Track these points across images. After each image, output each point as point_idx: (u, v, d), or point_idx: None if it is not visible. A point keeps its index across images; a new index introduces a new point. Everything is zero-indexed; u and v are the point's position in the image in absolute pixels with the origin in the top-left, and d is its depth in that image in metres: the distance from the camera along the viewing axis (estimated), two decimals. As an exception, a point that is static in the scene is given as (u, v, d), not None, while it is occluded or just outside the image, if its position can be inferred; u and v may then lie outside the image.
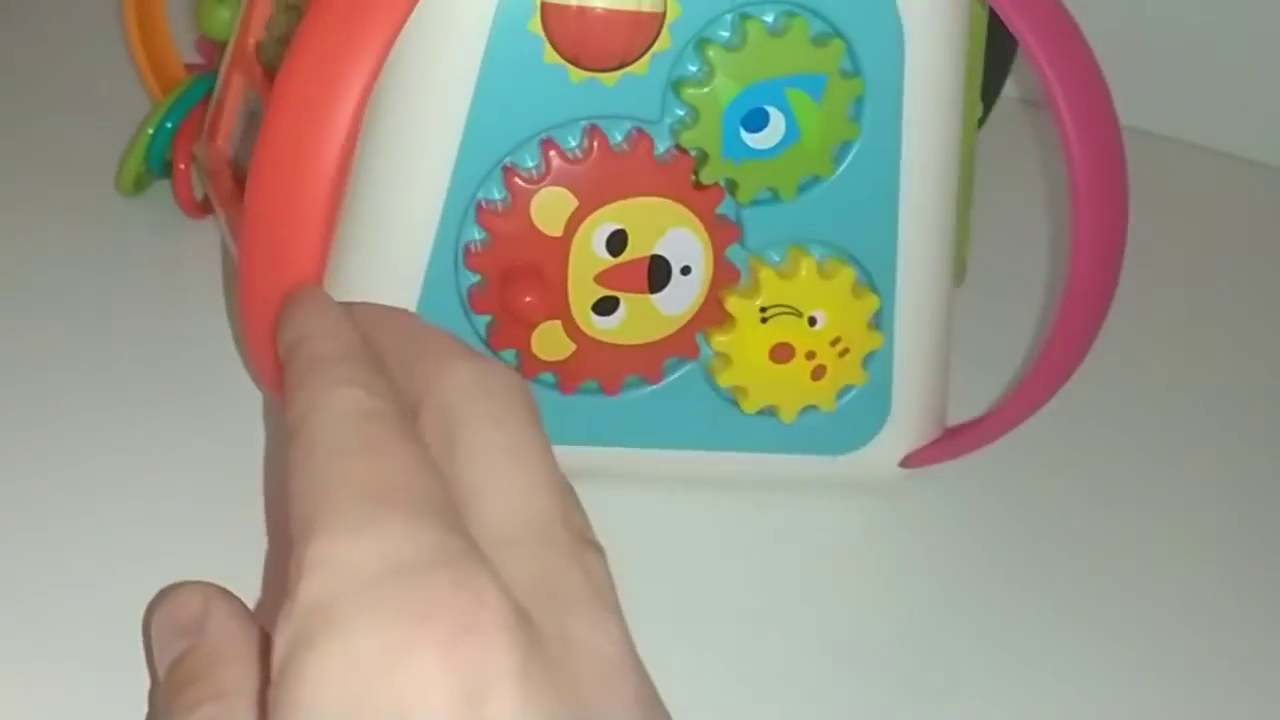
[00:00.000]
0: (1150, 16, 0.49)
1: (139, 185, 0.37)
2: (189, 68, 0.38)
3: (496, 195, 0.26)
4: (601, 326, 0.28)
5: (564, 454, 0.29)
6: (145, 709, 0.24)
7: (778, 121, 0.26)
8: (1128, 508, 0.32)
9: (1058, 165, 0.29)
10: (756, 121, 0.26)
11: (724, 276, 0.28)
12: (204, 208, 0.37)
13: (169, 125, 0.36)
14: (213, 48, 0.39)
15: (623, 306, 0.28)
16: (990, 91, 0.34)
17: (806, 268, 0.28)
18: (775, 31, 0.26)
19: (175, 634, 0.23)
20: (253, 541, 0.28)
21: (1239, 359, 0.39)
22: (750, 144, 0.26)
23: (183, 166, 0.36)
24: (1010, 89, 0.48)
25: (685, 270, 0.28)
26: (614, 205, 0.26)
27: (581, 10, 0.25)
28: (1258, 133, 0.49)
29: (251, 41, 0.33)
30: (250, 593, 0.27)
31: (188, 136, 0.36)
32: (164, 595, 0.23)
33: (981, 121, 0.34)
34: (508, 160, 0.26)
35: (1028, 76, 0.48)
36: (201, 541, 0.28)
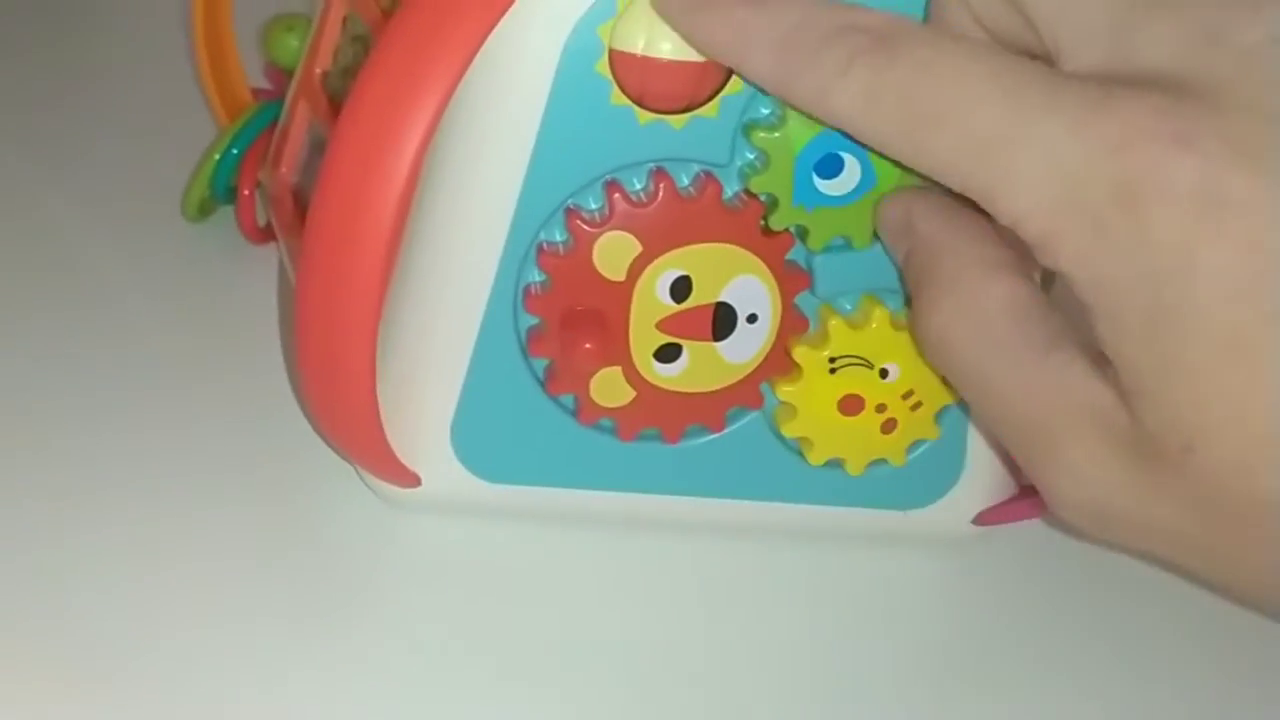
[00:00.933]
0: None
1: (204, 210, 0.37)
2: (256, 94, 0.38)
3: (558, 237, 0.26)
4: (663, 374, 0.27)
5: (623, 501, 0.28)
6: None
7: (853, 167, 0.25)
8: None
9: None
10: (831, 167, 0.25)
11: (792, 325, 0.27)
12: (267, 234, 0.36)
13: (235, 151, 0.36)
14: (281, 75, 0.39)
15: (685, 354, 0.27)
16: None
17: (879, 319, 0.27)
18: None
19: (894, 240, 0.24)
20: (301, 558, 0.27)
21: None
22: (823, 190, 0.25)
23: (247, 193, 0.36)
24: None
25: (751, 318, 0.27)
26: (679, 250, 0.26)
27: (645, 60, 0.24)
28: None
29: (318, 71, 0.33)
30: (302, 605, 0.26)
31: (253, 163, 0.36)
32: (876, 210, 0.25)
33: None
34: (571, 202, 0.25)
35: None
36: (248, 565, 0.27)
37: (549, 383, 0.27)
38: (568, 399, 0.27)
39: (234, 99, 0.37)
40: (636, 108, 0.25)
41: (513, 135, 0.25)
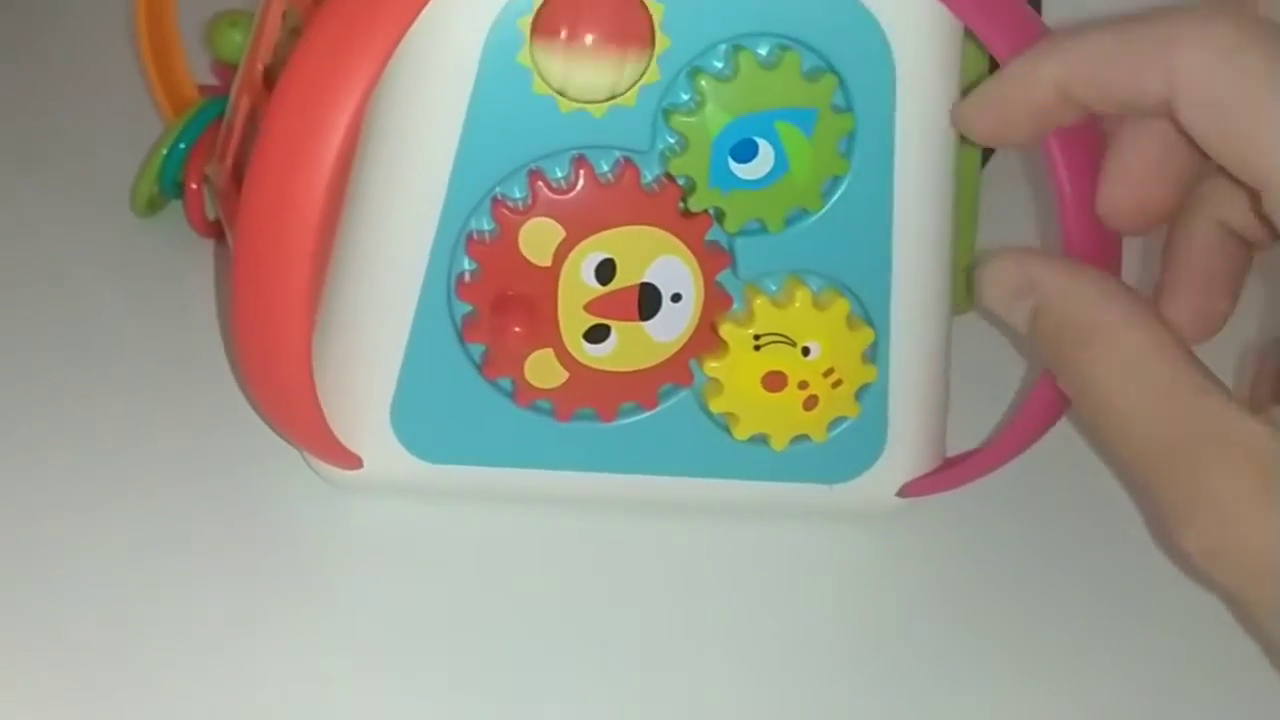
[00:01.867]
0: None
1: (153, 205, 0.38)
2: (203, 89, 0.38)
3: (486, 226, 0.26)
4: (594, 354, 0.28)
5: (561, 480, 0.29)
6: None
7: (766, 153, 0.26)
8: (1129, 537, 0.32)
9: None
10: (746, 152, 0.26)
11: (716, 303, 0.28)
12: (216, 228, 0.37)
13: (182, 146, 0.37)
14: (229, 71, 0.39)
15: (614, 334, 0.28)
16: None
17: (801, 298, 0.28)
18: (768, 64, 0.26)
19: (1012, 298, 0.25)
20: (248, 541, 0.28)
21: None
22: (738, 174, 0.26)
23: (195, 187, 0.37)
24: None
25: (676, 297, 0.28)
26: (602, 234, 0.26)
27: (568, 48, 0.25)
28: None
29: (260, 65, 0.34)
30: (248, 587, 0.27)
31: (200, 157, 0.37)
32: (985, 268, 0.25)
33: (988, 156, 0.34)
34: (497, 191, 0.26)
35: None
36: (195, 547, 0.28)
37: (486, 367, 0.28)
38: (505, 382, 0.28)
39: (180, 95, 0.38)
40: (559, 97, 0.26)
41: (439, 125, 0.26)
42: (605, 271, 0.27)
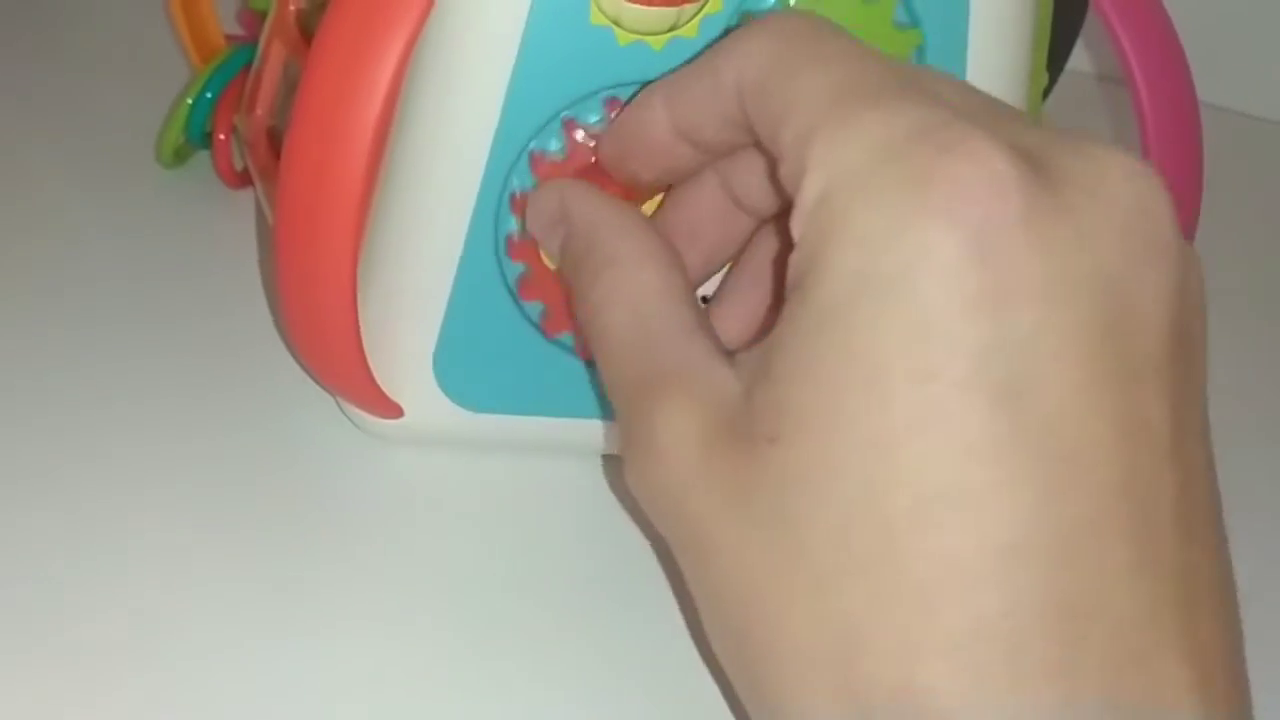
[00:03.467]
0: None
1: (179, 156, 0.37)
2: (229, 38, 0.37)
3: (553, 146, 0.25)
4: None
5: (594, 429, 0.28)
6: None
7: None
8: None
9: (1131, 143, 0.28)
10: None
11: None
12: (244, 179, 0.36)
13: (209, 95, 0.36)
14: (255, 19, 0.38)
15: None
16: (1056, 60, 0.32)
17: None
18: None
19: (549, 228, 0.25)
20: (285, 504, 0.27)
21: None
22: None
23: (222, 137, 0.36)
24: (1084, 63, 0.46)
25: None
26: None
27: None
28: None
29: (292, 9, 0.33)
30: (283, 541, 0.26)
31: (228, 107, 0.36)
32: (530, 198, 0.25)
33: (1047, 92, 0.33)
34: (567, 114, 0.25)
35: (1101, 50, 0.47)
36: (229, 501, 0.27)
37: (521, 289, 0.26)
38: (536, 306, 0.26)
39: (207, 43, 0.37)
40: (616, 28, 0.24)
41: (494, 53, 0.24)
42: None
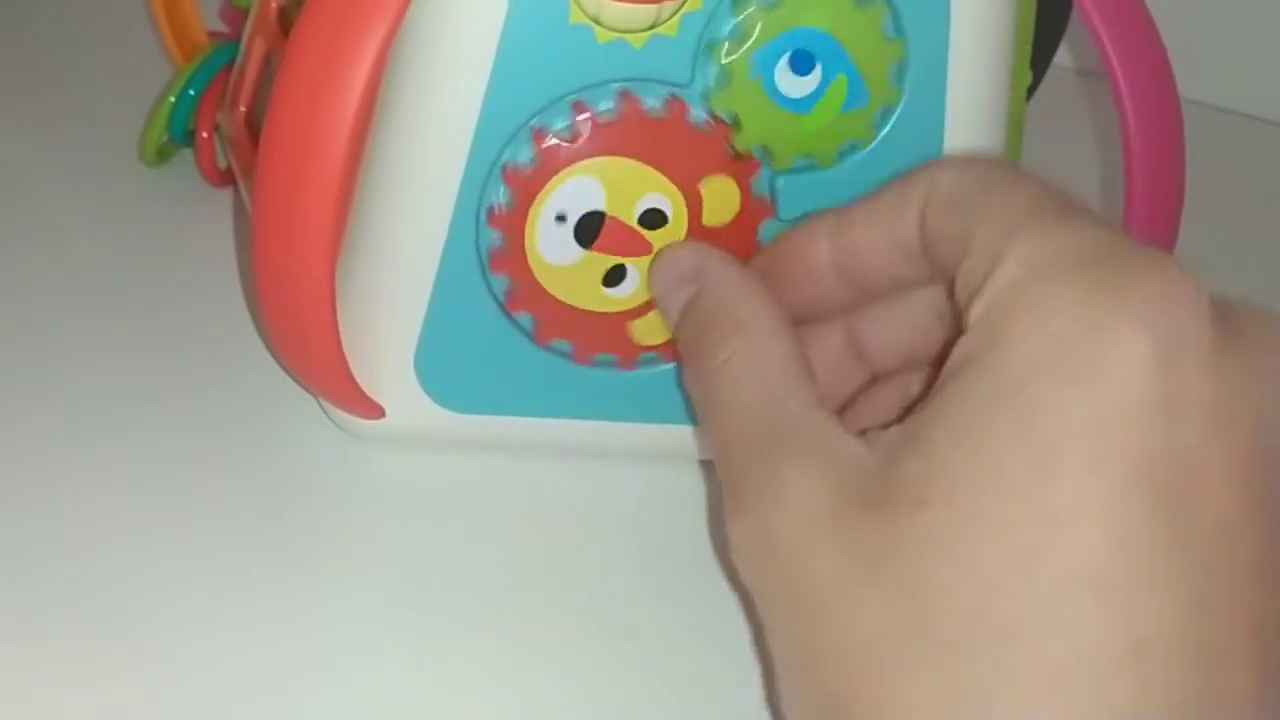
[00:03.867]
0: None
1: (162, 154, 0.36)
2: (212, 35, 0.37)
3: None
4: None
5: (585, 430, 0.28)
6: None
7: (817, 70, 0.25)
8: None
9: (1113, 140, 0.28)
10: (803, 65, 0.25)
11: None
12: (227, 177, 0.36)
13: (191, 93, 0.36)
14: (237, 16, 0.38)
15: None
16: (1041, 58, 0.32)
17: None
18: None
19: (678, 283, 0.25)
20: (265, 507, 0.27)
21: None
22: (789, 93, 0.25)
23: (205, 135, 0.36)
24: (1066, 59, 0.46)
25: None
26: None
27: None
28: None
29: (274, 6, 0.33)
30: (264, 541, 0.26)
31: (211, 105, 0.36)
32: (660, 255, 0.26)
33: (1032, 90, 0.33)
34: (535, 122, 0.25)
35: (1084, 46, 0.47)
36: (210, 501, 0.27)
37: (508, 301, 0.26)
38: (526, 320, 0.27)
39: (190, 40, 0.37)
40: (595, 26, 0.24)
41: (471, 54, 0.24)
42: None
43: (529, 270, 0.26)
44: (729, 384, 0.23)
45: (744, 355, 0.23)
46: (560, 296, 0.26)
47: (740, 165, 0.26)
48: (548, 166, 0.25)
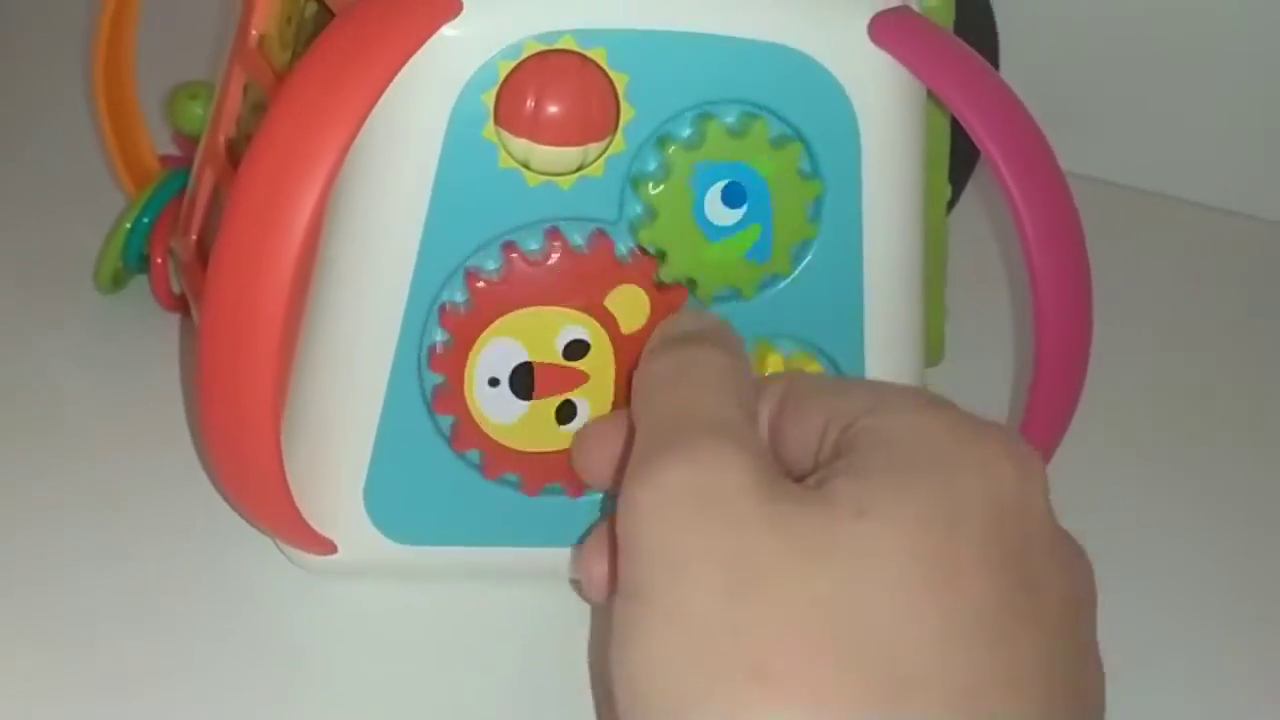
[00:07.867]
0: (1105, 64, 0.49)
1: (117, 281, 0.37)
2: (164, 160, 0.38)
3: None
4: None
5: (536, 556, 0.29)
6: None
7: (743, 209, 0.26)
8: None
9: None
10: (735, 197, 0.26)
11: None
12: (182, 302, 0.36)
13: (145, 220, 0.36)
14: (191, 142, 0.39)
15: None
16: (960, 174, 0.33)
17: (772, 363, 0.27)
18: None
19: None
20: (221, 641, 0.27)
21: (1219, 399, 0.39)
22: (717, 220, 0.26)
23: (160, 261, 0.36)
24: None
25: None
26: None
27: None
28: (1217, 179, 0.49)
29: (222, 138, 0.33)
30: (224, 676, 0.26)
31: (164, 231, 0.36)
32: (667, 319, 0.27)
33: (951, 204, 0.34)
34: (469, 264, 0.26)
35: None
36: (168, 637, 0.27)
37: (454, 439, 0.27)
38: (474, 455, 0.27)
39: (141, 167, 0.38)
40: (525, 170, 0.25)
41: (407, 199, 0.25)
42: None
43: (470, 412, 0.27)
44: (691, 365, 0.24)
45: (703, 353, 0.25)
46: (515, 446, 0.27)
47: (666, 294, 0.27)
48: (481, 308, 0.26)
